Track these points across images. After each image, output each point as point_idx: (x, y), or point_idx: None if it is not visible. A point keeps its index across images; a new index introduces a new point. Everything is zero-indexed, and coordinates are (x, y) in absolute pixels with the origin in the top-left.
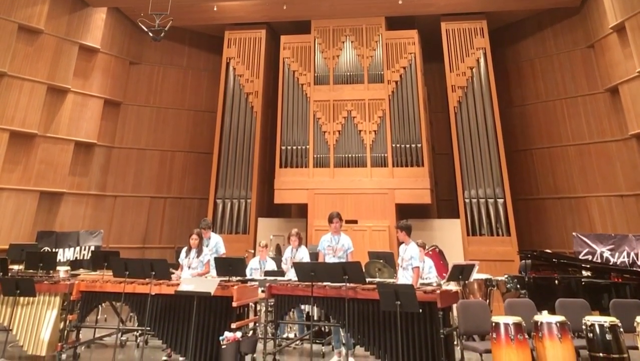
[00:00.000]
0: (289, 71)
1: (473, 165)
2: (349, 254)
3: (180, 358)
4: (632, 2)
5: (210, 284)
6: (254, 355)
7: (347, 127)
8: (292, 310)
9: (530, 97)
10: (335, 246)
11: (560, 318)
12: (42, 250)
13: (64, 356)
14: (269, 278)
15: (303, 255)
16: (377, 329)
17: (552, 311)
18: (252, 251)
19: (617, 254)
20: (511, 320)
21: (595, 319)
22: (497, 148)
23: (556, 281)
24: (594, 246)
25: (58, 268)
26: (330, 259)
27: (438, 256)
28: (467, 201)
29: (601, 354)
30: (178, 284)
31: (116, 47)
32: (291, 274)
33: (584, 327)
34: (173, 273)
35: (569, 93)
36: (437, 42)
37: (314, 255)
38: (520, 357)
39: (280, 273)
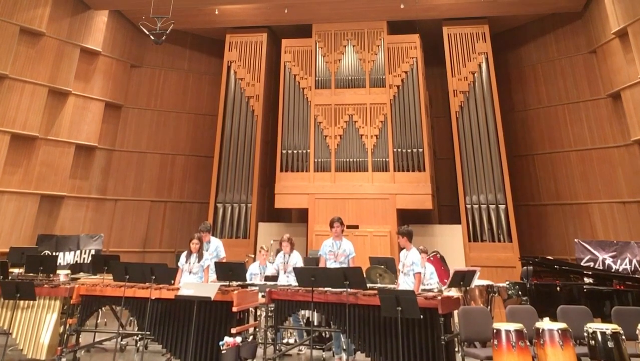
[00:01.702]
0: (290, 75)
1: (474, 170)
2: (350, 260)
3: None
4: (635, 8)
5: (210, 289)
6: None
7: (348, 132)
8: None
9: (532, 103)
10: (337, 251)
11: (562, 325)
12: (42, 253)
13: (63, 360)
14: (269, 283)
15: (296, 260)
16: (377, 335)
17: (554, 318)
18: (253, 255)
19: (619, 261)
20: (512, 326)
21: (597, 326)
22: (498, 153)
23: (558, 288)
24: (596, 252)
25: (58, 271)
26: (331, 264)
27: (439, 262)
28: (468, 206)
29: None
30: (178, 289)
31: (117, 50)
32: (284, 280)
33: (585, 334)
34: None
35: (571, 98)
36: (438, 47)
37: (313, 260)
38: None
39: (274, 278)
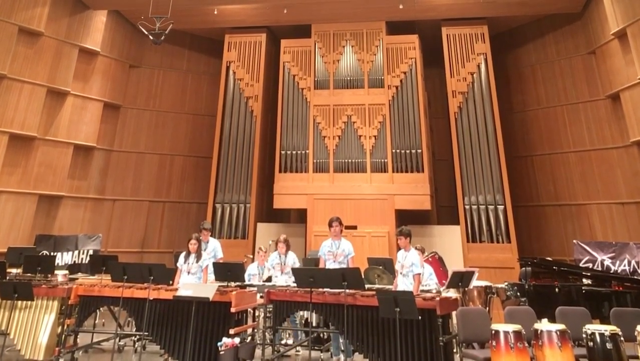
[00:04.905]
0: (289, 75)
1: (473, 171)
2: (349, 260)
3: None
4: (634, 9)
5: (208, 289)
6: None
7: (347, 132)
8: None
9: (531, 103)
10: (336, 252)
11: (561, 326)
12: (40, 254)
13: (61, 360)
14: (267, 283)
15: (293, 261)
16: (376, 336)
17: (552, 320)
18: (251, 256)
19: (617, 262)
20: (511, 327)
21: (595, 328)
22: (497, 154)
23: (556, 289)
24: (594, 253)
25: (56, 271)
26: (330, 264)
27: (438, 263)
28: (467, 207)
29: None
30: (176, 289)
31: (116, 50)
32: (282, 280)
33: (584, 336)
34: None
35: (570, 99)
36: (437, 47)
37: (312, 261)
38: None
39: (268, 279)
